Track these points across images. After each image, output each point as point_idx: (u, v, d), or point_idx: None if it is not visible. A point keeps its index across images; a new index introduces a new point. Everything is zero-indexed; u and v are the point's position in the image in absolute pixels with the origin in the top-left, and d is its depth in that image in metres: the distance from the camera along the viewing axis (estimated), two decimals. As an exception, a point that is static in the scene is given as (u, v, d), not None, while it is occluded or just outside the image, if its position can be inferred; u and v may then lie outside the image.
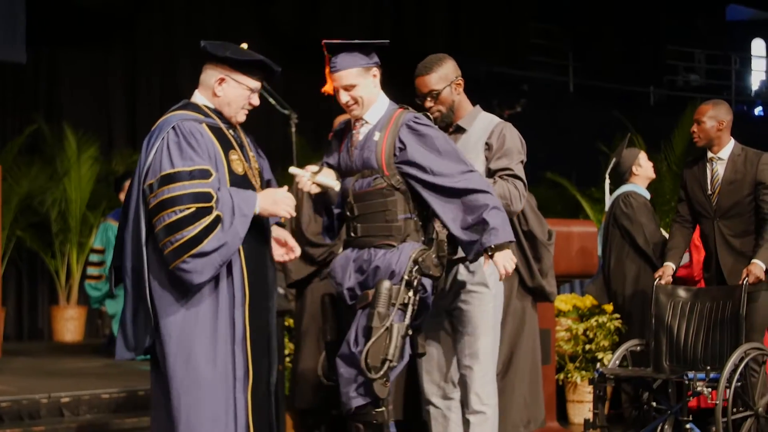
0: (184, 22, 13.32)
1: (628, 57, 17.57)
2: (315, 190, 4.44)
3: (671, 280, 6.29)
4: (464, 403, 4.68)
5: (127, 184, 8.41)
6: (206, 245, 3.99)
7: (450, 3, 15.67)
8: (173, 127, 4.11)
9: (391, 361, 4.14)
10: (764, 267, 5.98)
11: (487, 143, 4.70)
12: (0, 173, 7.84)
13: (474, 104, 4.90)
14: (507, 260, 4.29)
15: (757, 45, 22.32)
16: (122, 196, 8.98)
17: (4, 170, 9.69)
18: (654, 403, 6.04)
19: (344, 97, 4.42)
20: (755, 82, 21.86)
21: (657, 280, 6.23)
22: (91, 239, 11.20)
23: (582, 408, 6.87)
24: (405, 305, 4.23)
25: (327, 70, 4.44)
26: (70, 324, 11.51)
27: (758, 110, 20.76)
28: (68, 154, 11.49)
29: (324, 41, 4.39)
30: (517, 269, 5.58)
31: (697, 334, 6.00)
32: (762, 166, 6.18)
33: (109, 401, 6.71)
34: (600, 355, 6.79)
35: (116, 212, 9.50)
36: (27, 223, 11.47)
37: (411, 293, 4.24)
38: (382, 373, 4.13)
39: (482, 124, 4.76)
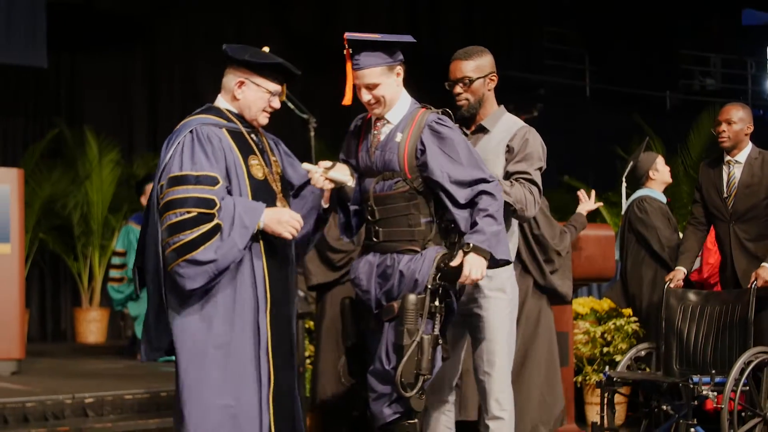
0: (203, 25, 13.41)
1: (644, 61, 17.56)
2: (328, 186, 4.35)
3: (682, 283, 6.29)
4: (483, 409, 4.64)
5: (148, 187, 8.55)
6: (201, 254, 3.99)
7: (464, 7, 15.75)
8: (191, 131, 4.14)
9: (424, 375, 4.13)
10: (775, 271, 5.99)
11: (508, 146, 4.65)
12: (22, 177, 7.92)
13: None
14: (476, 266, 4.15)
15: (773, 49, 22.21)
16: (143, 200, 9.07)
17: (27, 174, 9.81)
18: (664, 407, 6.05)
19: (366, 96, 4.34)
20: (772, 87, 21.76)
21: (667, 283, 6.25)
22: (113, 242, 11.33)
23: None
24: (432, 314, 4.18)
25: (349, 73, 4.32)
26: (92, 326, 11.63)
27: (774, 114, 20.68)
28: (90, 158, 11.62)
29: (346, 35, 4.28)
30: (528, 271, 5.66)
31: (706, 338, 6.00)
32: (779, 170, 6.21)
33: (133, 402, 6.79)
34: (618, 358, 6.78)
35: (138, 215, 9.57)
36: (49, 225, 11.60)
37: (437, 301, 4.19)
38: (417, 388, 4.13)
39: (505, 126, 4.72)
